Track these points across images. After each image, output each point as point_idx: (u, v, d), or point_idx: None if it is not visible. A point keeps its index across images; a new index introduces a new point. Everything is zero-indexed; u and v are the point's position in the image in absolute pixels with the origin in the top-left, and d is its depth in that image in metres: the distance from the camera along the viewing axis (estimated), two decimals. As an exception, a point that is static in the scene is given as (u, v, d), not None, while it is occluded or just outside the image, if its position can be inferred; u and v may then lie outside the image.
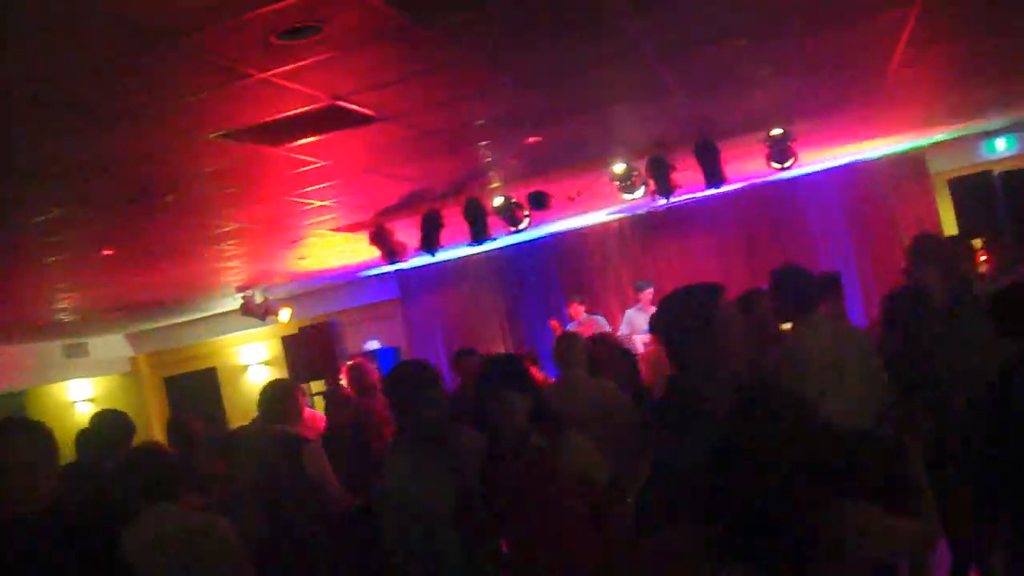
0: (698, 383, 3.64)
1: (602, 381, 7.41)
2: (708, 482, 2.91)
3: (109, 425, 7.44)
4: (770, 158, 11.30)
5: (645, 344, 14.06)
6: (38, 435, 3.91)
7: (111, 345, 20.04)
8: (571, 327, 14.22)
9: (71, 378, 19.82)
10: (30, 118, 5.75)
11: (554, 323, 15.02)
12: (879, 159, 15.96)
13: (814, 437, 3.05)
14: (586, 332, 12.80)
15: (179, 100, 5.96)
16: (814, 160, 14.28)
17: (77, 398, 20.28)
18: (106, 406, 17.66)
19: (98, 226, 9.21)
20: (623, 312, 15.88)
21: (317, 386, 15.88)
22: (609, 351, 8.58)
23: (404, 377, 5.39)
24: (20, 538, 3.66)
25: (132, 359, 20.60)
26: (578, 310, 14.88)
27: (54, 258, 10.15)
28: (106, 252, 10.40)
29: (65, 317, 15.06)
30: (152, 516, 5.10)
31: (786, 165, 11.40)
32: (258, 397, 7.56)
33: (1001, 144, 15.83)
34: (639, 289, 15.42)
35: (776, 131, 10.92)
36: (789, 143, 11.07)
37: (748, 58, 7.82)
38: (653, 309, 14.49)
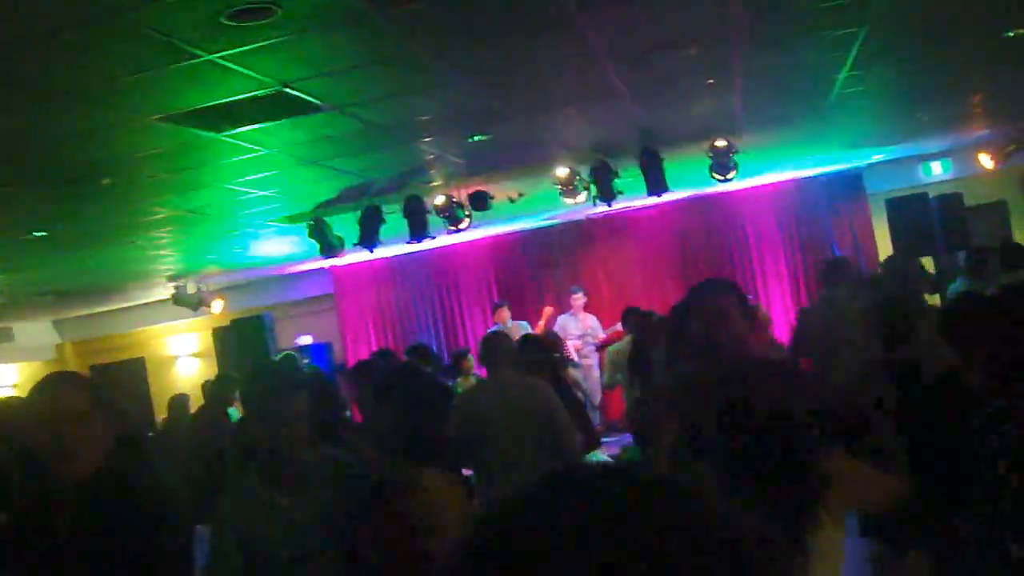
0: None
1: (532, 380, 7.35)
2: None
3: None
4: (712, 169, 11.30)
5: (577, 349, 14.05)
6: (87, 387, 3.73)
7: (37, 331, 19.69)
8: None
9: (-6, 363, 19.47)
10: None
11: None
12: (818, 176, 16.11)
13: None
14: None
15: (120, 79, 5.81)
16: (754, 174, 14.36)
17: (0, 384, 19.91)
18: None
19: (30, 207, 9.00)
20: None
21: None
22: (539, 351, 8.53)
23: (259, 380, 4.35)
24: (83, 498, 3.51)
25: (58, 346, 20.28)
26: (503, 315, 14.79)
27: (-20, 238, 9.95)
28: (37, 234, 10.17)
29: (-10, 300, 14.78)
30: None
31: (728, 177, 11.43)
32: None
33: (937, 167, 16.11)
34: (571, 294, 15.36)
35: (720, 142, 10.93)
36: (731, 155, 11.08)
37: (697, 67, 7.82)
38: (584, 315, 14.58)
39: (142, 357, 20.01)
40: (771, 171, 15.05)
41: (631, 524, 0.93)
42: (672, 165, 10.91)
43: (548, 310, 15.12)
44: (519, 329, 14.02)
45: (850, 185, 16.21)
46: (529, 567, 0.92)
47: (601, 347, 13.61)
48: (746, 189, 15.84)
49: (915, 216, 13.02)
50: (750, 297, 11.96)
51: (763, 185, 16.14)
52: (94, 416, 3.57)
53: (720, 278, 4.40)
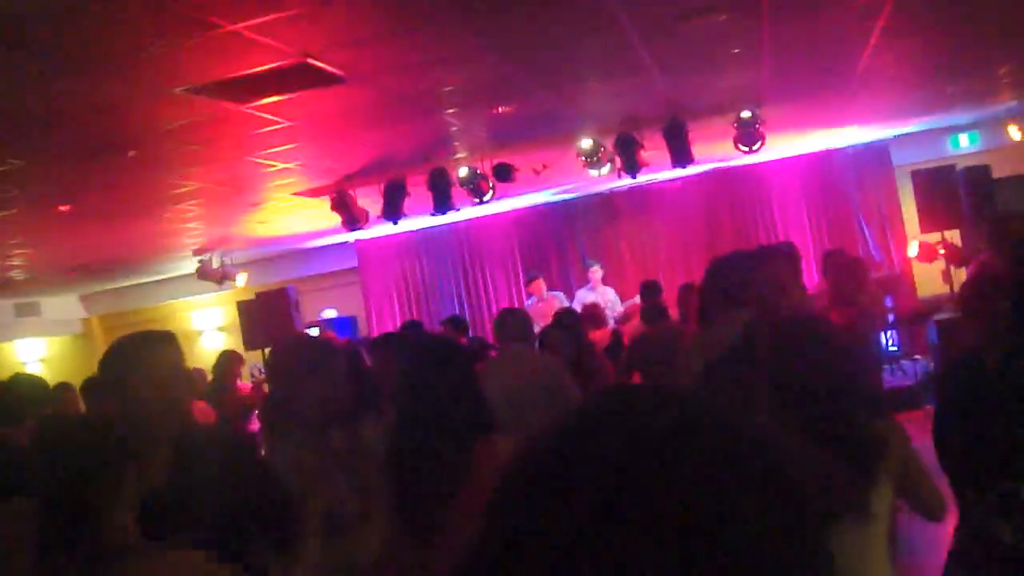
0: None
1: (545, 356, 7.33)
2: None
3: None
4: (738, 141, 11.25)
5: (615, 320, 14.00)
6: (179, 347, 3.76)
7: (64, 305, 19.80)
8: (531, 303, 14.15)
9: (22, 337, 19.57)
10: (-13, 62, 5.60)
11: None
12: (844, 148, 16.02)
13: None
14: (548, 308, 12.73)
15: (145, 50, 5.81)
16: (780, 146, 14.28)
17: (28, 358, 20.02)
18: (58, 367, 17.60)
19: (56, 181, 9.03)
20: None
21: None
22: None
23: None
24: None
25: (85, 320, 20.37)
26: (539, 286, 14.73)
27: (8, 212, 9.96)
28: (63, 208, 10.21)
29: (17, 275, 14.83)
30: None
31: (753, 148, 11.36)
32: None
33: (964, 140, 15.97)
34: (588, 267, 15.27)
35: (745, 113, 10.87)
36: (757, 126, 11.03)
37: (723, 37, 7.77)
38: (602, 288, 14.48)
39: (168, 331, 20.07)
40: (797, 143, 14.94)
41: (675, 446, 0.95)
42: (698, 136, 10.86)
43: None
44: (557, 300, 14.01)
45: (877, 157, 16.11)
46: (575, 488, 0.93)
47: (619, 320, 13.51)
48: (771, 162, 15.74)
49: (942, 188, 12.94)
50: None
51: (789, 157, 16.04)
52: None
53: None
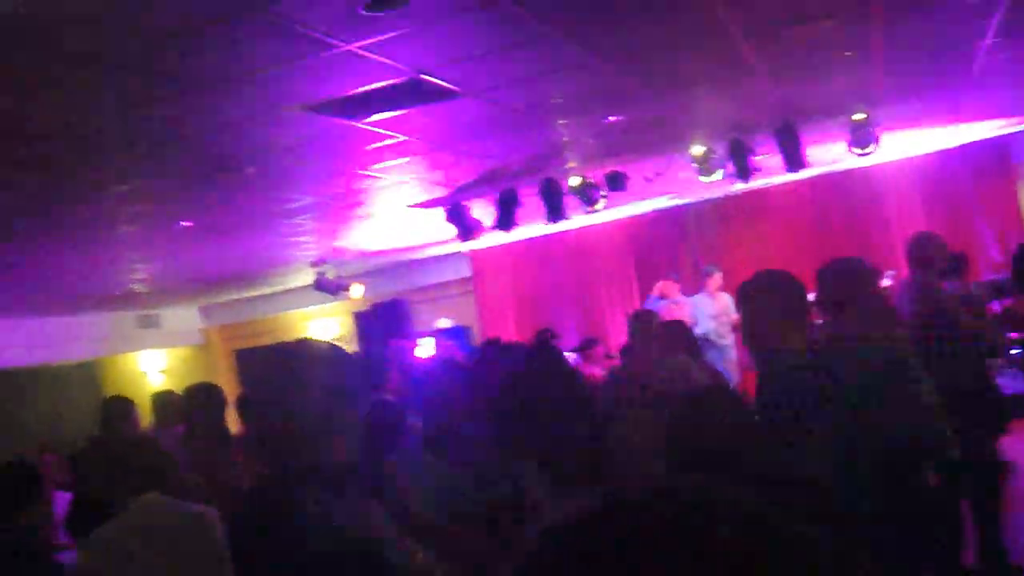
0: None
1: (679, 358, 7.30)
2: None
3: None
4: (851, 143, 11.09)
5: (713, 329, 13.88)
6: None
7: (184, 317, 20.24)
8: (663, 305, 13.98)
9: (144, 348, 20.04)
10: (114, 87, 5.76)
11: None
12: (960, 148, 15.60)
13: None
14: (679, 312, 12.66)
15: (263, 70, 5.94)
16: (894, 147, 14.02)
17: (149, 368, 20.51)
18: (178, 377, 18.00)
19: (177, 197, 9.25)
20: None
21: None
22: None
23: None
24: None
25: (204, 331, 20.79)
26: (672, 288, 14.61)
27: (131, 228, 10.23)
28: (184, 224, 10.45)
29: (140, 288, 15.22)
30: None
31: (867, 150, 11.18)
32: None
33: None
34: (707, 274, 15.12)
35: (858, 115, 10.72)
36: (871, 128, 10.86)
37: (834, 40, 7.67)
38: (719, 294, 14.35)
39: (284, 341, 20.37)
40: (911, 143, 14.64)
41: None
42: (810, 139, 10.74)
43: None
44: (690, 305, 13.95)
45: (996, 156, 15.64)
46: None
47: (734, 328, 13.37)
48: (885, 163, 15.43)
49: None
50: (891, 273, 11.73)
51: (902, 159, 15.69)
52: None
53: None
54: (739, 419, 3.31)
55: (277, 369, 3.07)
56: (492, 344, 8.71)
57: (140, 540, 4.04)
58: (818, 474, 3.34)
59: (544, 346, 9.67)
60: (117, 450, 5.09)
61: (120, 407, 7.72)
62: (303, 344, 3.30)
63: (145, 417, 8.28)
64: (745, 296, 4.19)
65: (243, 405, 7.64)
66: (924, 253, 7.44)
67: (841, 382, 3.95)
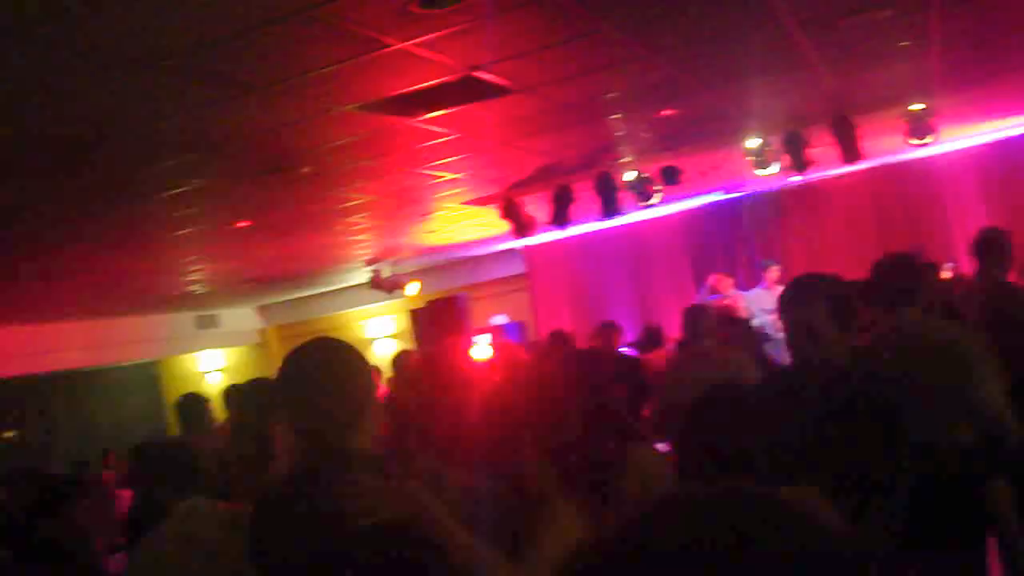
0: None
1: (734, 352, 7.24)
2: None
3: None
4: (908, 134, 10.96)
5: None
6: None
7: (241, 317, 20.40)
8: (715, 299, 13.90)
9: (202, 349, 20.24)
10: (170, 88, 5.80)
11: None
12: (1021, 136, 15.35)
13: None
14: (733, 306, 12.60)
15: (317, 70, 5.96)
16: (953, 137, 13.85)
17: (208, 368, 20.70)
18: (236, 377, 18.15)
19: (234, 198, 9.31)
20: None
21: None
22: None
23: None
24: None
25: (261, 331, 20.94)
26: (725, 283, 14.54)
27: (189, 230, 10.31)
28: (240, 224, 10.52)
29: (198, 289, 15.35)
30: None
31: (925, 141, 11.04)
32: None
33: None
34: (764, 267, 15.02)
35: (915, 106, 10.59)
36: (929, 119, 10.73)
37: (891, 30, 7.58)
38: (777, 288, 14.21)
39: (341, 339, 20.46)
40: (970, 133, 14.45)
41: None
42: (866, 131, 10.63)
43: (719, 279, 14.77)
44: (742, 300, 13.87)
45: (1060, 144, 15.42)
46: None
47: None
48: (943, 153, 15.23)
49: None
50: (950, 265, 11.55)
51: (962, 149, 15.48)
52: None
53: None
54: (747, 421, 3.26)
55: (310, 367, 3.16)
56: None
57: (182, 549, 4.07)
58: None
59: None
60: (164, 453, 5.14)
61: (195, 405, 7.76)
62: (327, 343, 3.38)
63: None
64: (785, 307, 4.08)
65: (227, 395, 7.76)
66: (992, 248, 7.28)
67: (894, 381, 3.86)
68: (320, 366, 3.20)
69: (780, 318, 4.13)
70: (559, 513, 3.16)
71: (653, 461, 4.11)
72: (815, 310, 3.71)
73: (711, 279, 14.90)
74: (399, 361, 9.93)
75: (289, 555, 2.92)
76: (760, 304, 14.07)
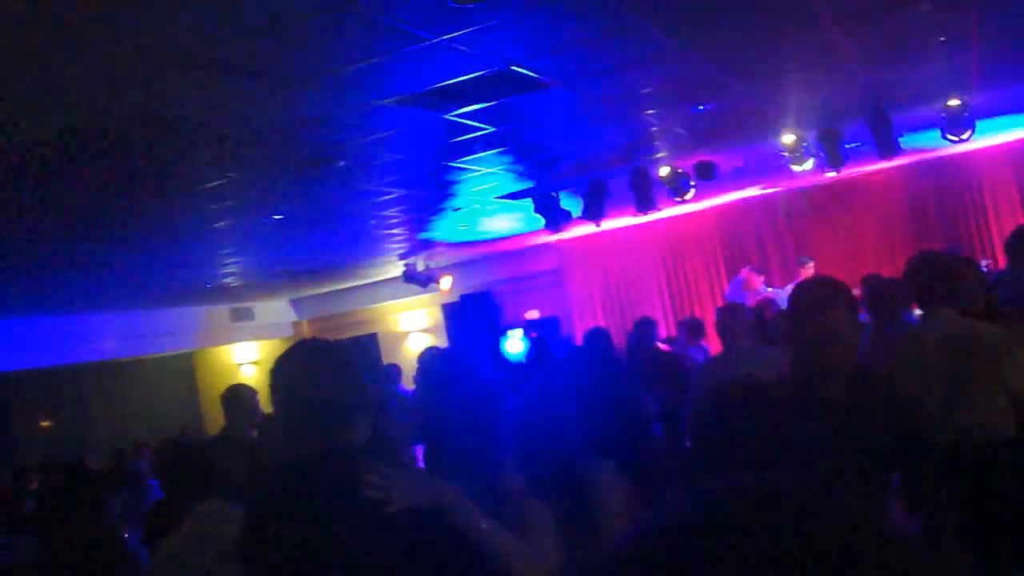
0: None
1: (770, 351, 7.20)
2: None
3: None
4: (945, 130, 10.90)
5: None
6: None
7: (276, 310, 20.46)
8: (747, 296, 13.87)
9: (237, 341, 20.33)
10: (208, 82, 5.83)
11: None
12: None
13: None
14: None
15: (354, 65, 5.98)
16: (990, 132, 13.74)
17: (242, 360, 20.80)
18: (270, 369, 18.26)
19: (270, 191, 9.35)
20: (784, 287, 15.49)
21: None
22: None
23: None
24: None
25: (296, 324, 20.99)
26: (756, 280, 14.49)
27: (225, 223, 10.36)
28: (276, 217, 10.56)
29: (232, 282, 15.42)
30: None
31: (963, 137, 10.98)
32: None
33: None
34: (800, 264, 14.96)
35: (953, 101, 10.53)
36: (966, 114, 10.66)
37: (928, 25, 7.54)
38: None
39: (375, 333, 20.54)
40: (1009, 127, 14.32)
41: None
42: (903, 126, 10.57)
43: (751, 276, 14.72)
44: (774, 296, 13.82)
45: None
46: None
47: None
48: (981, 149, 15.10)
49: None
50: (986, 262, 11.47)
51: (1000, 144, 15.34)
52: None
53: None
54: (773, 416, 3.24)
55: (309, 366, 3.20)
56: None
57: (198, 551, 4.12)
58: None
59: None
60: (182, 456, 5.17)
61: (241, 396, 7.77)
62: (315, 343, 3.44)
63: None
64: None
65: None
66: None
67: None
68: (309, 366, 3.22)
69: (802, 320, 4.08)
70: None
71: None
72: (839, 313, 3.68)
73: (743, 272, 14.86)
74: (424, 359, 9.94)
75: (290, 552, 2.93)
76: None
